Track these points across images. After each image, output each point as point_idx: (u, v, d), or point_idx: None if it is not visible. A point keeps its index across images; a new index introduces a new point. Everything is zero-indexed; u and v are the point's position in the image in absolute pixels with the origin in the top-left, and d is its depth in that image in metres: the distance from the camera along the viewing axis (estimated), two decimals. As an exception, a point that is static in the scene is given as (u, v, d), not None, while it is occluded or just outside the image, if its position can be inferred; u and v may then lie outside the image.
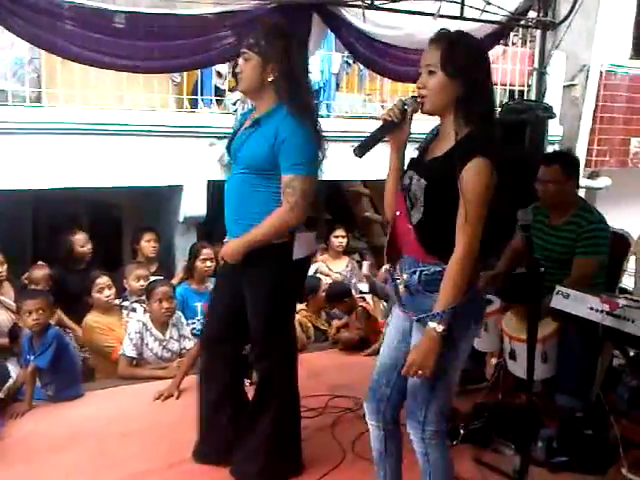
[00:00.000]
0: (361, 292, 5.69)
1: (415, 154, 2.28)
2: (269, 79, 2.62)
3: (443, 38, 2.12)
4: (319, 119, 2.79)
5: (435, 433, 2.24)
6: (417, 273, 2.16)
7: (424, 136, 2.29)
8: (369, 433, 2.48)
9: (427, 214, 2.11)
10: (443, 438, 2.30)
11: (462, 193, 2.02)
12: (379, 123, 2.22)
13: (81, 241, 5.08)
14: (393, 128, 2.18)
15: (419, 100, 2.15)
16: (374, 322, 4.85)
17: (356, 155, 2.17)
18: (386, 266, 2.35)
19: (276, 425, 2.85)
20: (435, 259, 2.12)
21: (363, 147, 2.17)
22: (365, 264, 6.13)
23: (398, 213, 2.24)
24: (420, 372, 2.09)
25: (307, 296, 5.07)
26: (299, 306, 5.05)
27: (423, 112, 2.17)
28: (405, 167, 2.26)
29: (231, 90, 6.22)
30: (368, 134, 2.20)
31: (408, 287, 2.21)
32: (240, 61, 2.66)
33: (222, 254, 2.79)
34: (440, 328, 2.05)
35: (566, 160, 3.62)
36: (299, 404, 3.01)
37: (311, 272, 5.72)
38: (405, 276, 2.21)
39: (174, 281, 5.05)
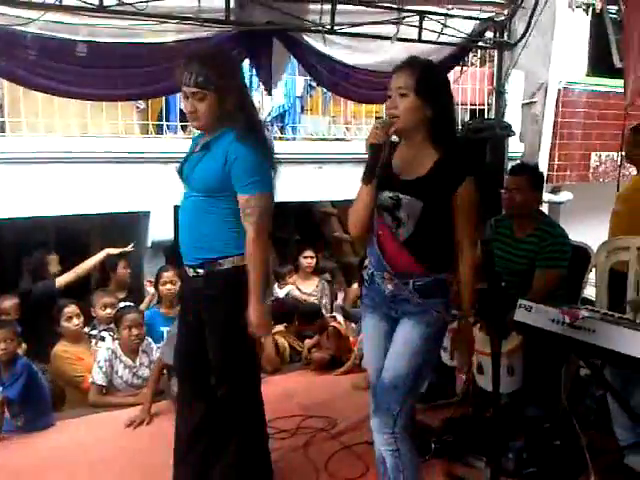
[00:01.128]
0: (332, 310, 5.73)
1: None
2: (226, 111, 2.60)
3: (416, 64, 2.31)
4: (269, 137, 2.81)
5: (405, 426, 2.36)
6: (410, 284, 2.34)
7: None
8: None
9: (418, 231, 2.29)
10: (410, 433, 2.41)
11: (459, 209, 2.29)
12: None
13: (54, 261, 5.08)
14: (382, 148, 2.28)
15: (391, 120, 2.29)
16: (346, 341, 4.87)
17: (366, 184, 2.28)
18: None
19: (244, 448, 2.82)
20: (427, 271, 2.33)
21: (369, 174, 2.28)
22: (340, 296, 6.19)
23: (381, 232, 2.35)
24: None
25: (289, 317, 5.09)
26: (278, 327, 5.06)
27: (394, 132, 2.30)
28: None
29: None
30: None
31: (398, 295, 2.37)
32: (192, 101, 2.57)
33: (255, 331, 2.68)
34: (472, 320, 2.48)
35: (534, 172, 3.72)
36: (265, 424, 2.97)
37: (282, 295, 5.77)
38: (390, 286, 2.37)
39: (143, 306, 5.03)
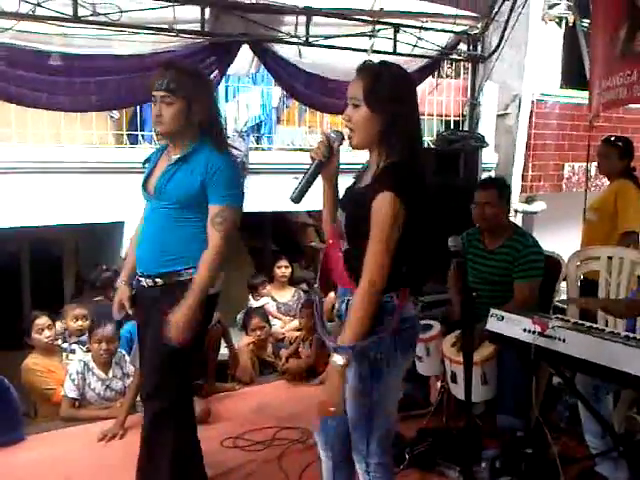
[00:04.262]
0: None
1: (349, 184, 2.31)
2: (195, 120, 2.63)
3: (367, 70, 2.10)
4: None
5: (379, 466, 2.23)
6: (345, 302, 2.19)
7: (354, 166, 2.33)
8: (317, 463, 2.48)
9: (350, 243, 2.17)
10: (387, 471, 2.28)
11: (371, 226, 2.04)
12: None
13: None
14: (323, 165, 2.18)
15: (348, 134, 2.15)
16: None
17: (294, 202, 2.13)
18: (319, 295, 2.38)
19: (175, 466, 2.75)
20: None
21: (300, 193, 2.15)
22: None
23: (331, 242, 2.26)
24: (333, 410, 2.05)
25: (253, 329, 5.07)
26: (246, 339, 5.04)
27: (352, 147, 2.17)
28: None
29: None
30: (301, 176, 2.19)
31: (340, 316, 2.25)
32: (160, 105, 2.59)
33: (173, 334, 2.55)
34: (342, 361, 2.01)
35: (501, 185, 3.77)
36: (197, 440, 2.88)
37: (257, 305, 5.74)
38: (336, 305, 2.27)
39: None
